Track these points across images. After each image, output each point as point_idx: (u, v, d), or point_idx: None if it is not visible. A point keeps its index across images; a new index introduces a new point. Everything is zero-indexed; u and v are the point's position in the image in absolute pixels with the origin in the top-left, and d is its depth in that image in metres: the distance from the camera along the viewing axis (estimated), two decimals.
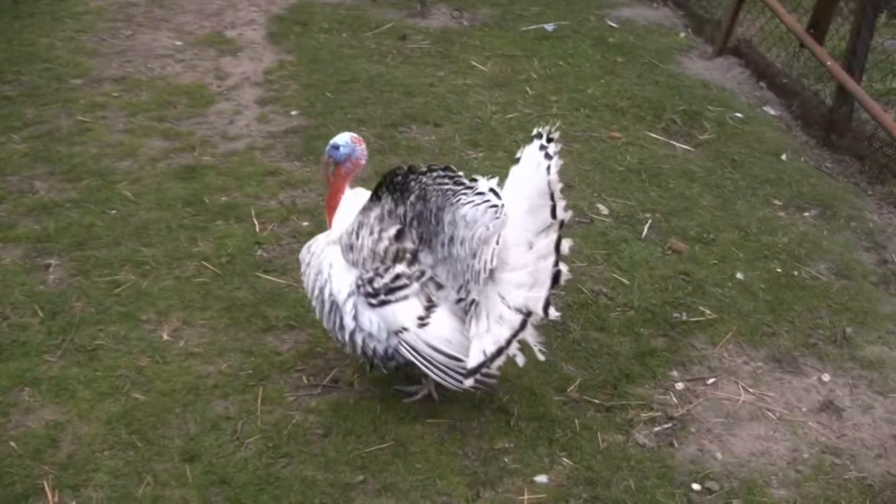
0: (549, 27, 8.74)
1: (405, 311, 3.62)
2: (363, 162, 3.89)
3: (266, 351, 4.51)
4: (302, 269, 3.93)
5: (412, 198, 3.56)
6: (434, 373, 3.65)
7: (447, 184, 3.56)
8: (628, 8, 9.40)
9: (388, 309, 3.63)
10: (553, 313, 3.46)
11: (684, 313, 4.85)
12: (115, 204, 5.41)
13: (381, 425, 4.09)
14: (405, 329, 3.62)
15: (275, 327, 4.64)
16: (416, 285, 3.61)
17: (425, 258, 3.62)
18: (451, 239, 3.50)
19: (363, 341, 3.76)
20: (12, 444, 3.98)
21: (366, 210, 3.67)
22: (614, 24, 8.80)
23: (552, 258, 3.36)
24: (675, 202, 5.84)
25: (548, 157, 3.41)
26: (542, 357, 3.58)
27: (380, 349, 3.74)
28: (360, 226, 3.65)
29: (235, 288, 4.72)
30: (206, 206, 5.38)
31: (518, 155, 3.56)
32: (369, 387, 4.28)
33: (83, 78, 7.40)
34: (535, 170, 3.41)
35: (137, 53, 7.95)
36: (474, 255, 3.42)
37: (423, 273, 3.61)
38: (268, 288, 4.84)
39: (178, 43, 8.19)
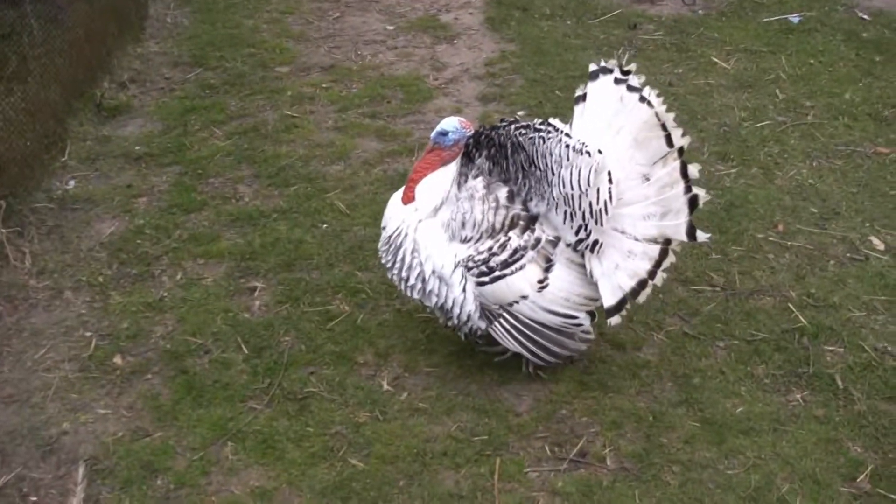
0: (794, 18, 7.87)
1: (523, 279, 3.61)
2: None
3: (502, 410, 3.95)
4: (389, 251, 3.79)
5: (509, 151, 3.59)
6: (533, 350, 3.78)
7: (530, 130, 3.60)
8: None
9: (501, 283, 3.61)
10: (702, 236, 3.60)
11: None
12: (326, 216, 5.08)
13: None
14: (524, 297, 3.63)
15: (511, 380, 4.07)
16: (531, 253, 3.60)
17: (537, 206, 3.62)
18: (560, 180, 3.52)
19: (469, 315, 3.73)
20: None
21: (464, 176, 3.69)
22: (866, 17, 7.84)
23: (681, 185, 3.49)
24: None
25: (632, 89, 3.56)
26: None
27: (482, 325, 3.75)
28: (469, 197, 3.64)
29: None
30: None
31: (579, 92, 3.77)
32: (623, 463, 3.72)
33: (289, 65, 7.07)
34: (619, 104, 3.58)
35: (346, 38, 7.56)
36: (587, 192, 3.49)
37: (538, 240, 3.60)
38: None
39: (390, 27, 7.76)
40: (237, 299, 4.61)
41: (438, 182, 3.70)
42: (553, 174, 3.55)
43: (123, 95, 6.61)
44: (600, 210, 3.54)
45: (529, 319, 3.69)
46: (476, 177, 3.67)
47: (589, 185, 3.50)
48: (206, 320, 4.46)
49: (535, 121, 3.68)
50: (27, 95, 5.64)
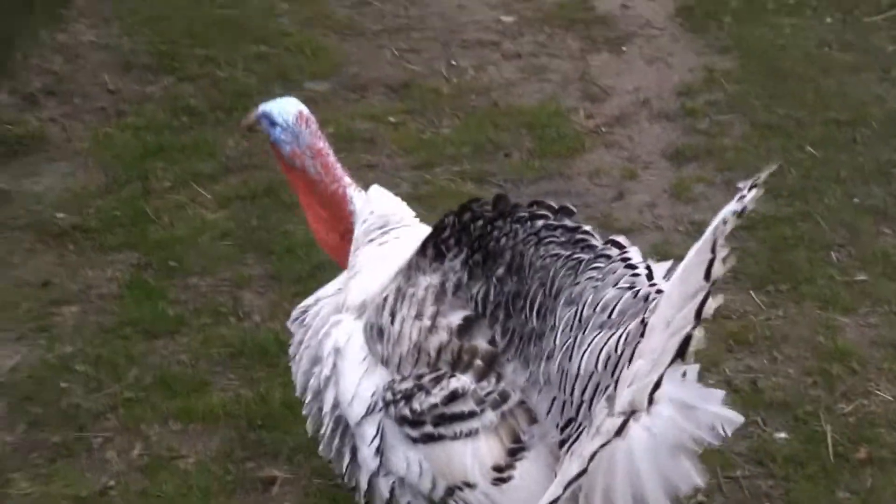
0: None
1: (470, 455, 3.65)
2: (323, 145, 4.21)
3: None
4: (291, 351, 4.14)
5: (500, 269, 3.66)
6: None
7: (565, 244, 3.66)
8: None
9: (438, 449, 3.68)
10: (671, 399, 3.34)
11: None
12: None
13: None
14: (469, 485, 3.65)
15: None
16: (491, 415, 3.63)
17: (514, 375, 3.65)
18: (569, 348, 3.49)
19: (392, 492, 3.81)
20: None
21: (412, 270, 3.82)
22: None
23: (689, 327, 3.30)
24: None
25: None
26: None
27: None
28: (400, 298, 3.77)
29: None
30: None
31: None
32: None
33: (329, 79, 7.38)
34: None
35: (431, 34, 7.87)
36: (611, 369, 3.39)
37: (504, 396, 3.63)
38: None
39: (507, 18, 8.05)
40: (241, 499, 4.73)
41: (384, 261, 3.95)
42: (556, 336, 3.56)
43: (34, 118, 6.90)
44: (607, 386, 3.46)
45: None
46: (433, 282, 3.79)
47: (613, 366, 3.44)
48: None
49: (588, 228, 3.73)
50: None
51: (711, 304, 3.25)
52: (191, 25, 7.61)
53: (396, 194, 6.01)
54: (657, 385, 3.31)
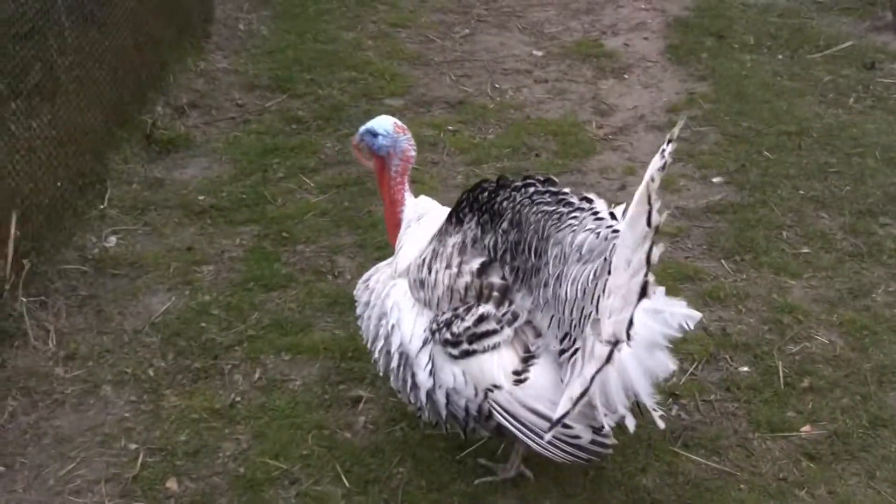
0: None
1: (496, 364, 3.78)
2: (413, 154, 4.28)
3: None
4: (358, 311, 4.30)
5: (504, 224, 3.81)
6: (536, 442, 3.76)
7: (550, 203, 3.81)
8: None
9: (473, 361, 3.81)
10: (641, 331, 3.53)
11: None
12: None
13: None
14: (497, 387, 3.77)
15: None
16: (508, 331, 3.79)
17: (522, 301, 3.80)
18: (559, 277, 3.67)
19: (448, 399, 3.91)
20: None
21: (442, 236, 3.98)
22: None
23: (643, 271, 3.45)
24: None
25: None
26: (661, 424, 3.58)
27: (472, 407, 3.89)
28: (434, 256, 3.92)
29: (639, 470, 4.30)
30: None
31: None
32: None
33: (403, 97, 7.33)
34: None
35: (479, 64, 7.78)
36: (589, 296, 3.55)
37: (516, 316, 3.79)
38: (693, 476, 4.37)
39: (537, 53, 7.97)
40: (335, 412, 4.69)
41: (418, 234, 4.14)
42: (548, 270, 3.74)
43: (181, 125, 6.90)
44: (591, 314, 3.59)
45: (508, 414, 3.81)
46: (457, 241, 3.92)
47: (587, 291, 3.61)
48: (293, 438, 4.53)
49: (566, 190, 3.90)
50: (55, 118, 5.76)
51: (657, 252, 3.41)
52: (299, 56, 7.60)
53: (453, 184, 6.14)
54: (631, 322, 3.47)
